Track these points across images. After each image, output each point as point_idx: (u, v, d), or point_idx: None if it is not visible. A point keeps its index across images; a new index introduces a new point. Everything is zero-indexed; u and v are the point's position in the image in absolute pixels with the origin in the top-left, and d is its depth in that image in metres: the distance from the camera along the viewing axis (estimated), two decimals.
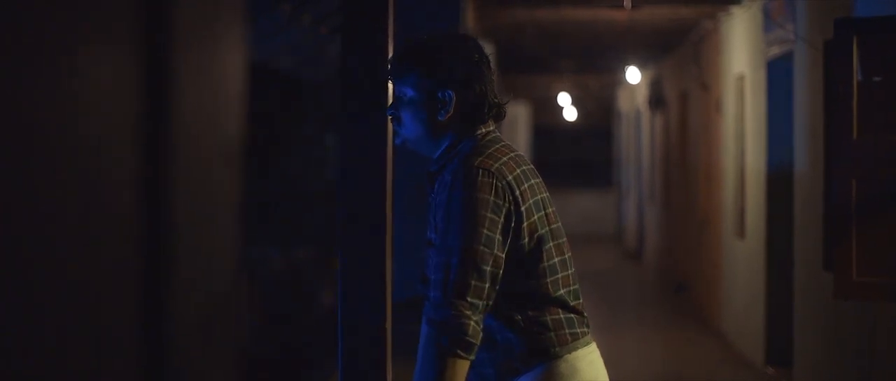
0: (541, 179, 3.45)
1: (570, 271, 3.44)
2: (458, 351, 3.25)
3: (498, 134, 3.50)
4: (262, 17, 9.39)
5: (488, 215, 3.29)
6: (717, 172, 13.11)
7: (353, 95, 4.05)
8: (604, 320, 13.96)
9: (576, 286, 3.46)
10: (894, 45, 6.00)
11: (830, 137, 7.82)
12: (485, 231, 3.28)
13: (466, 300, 3.25)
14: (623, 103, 24.97)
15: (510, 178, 3.35)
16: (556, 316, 3.39)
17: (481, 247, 3.28)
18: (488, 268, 3.28)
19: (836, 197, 6.14)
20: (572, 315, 3.42)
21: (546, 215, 3.41)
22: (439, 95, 3.43)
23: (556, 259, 3.40)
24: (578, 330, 3.42)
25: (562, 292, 3.41)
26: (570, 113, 27.13)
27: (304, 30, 10.12)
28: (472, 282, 3.26)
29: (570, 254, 3.46)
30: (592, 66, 19.34)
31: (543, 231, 3.39)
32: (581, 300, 3.47)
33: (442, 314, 3.26)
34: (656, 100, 18.34)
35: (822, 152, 8.43)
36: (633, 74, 18.18)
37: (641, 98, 20.76)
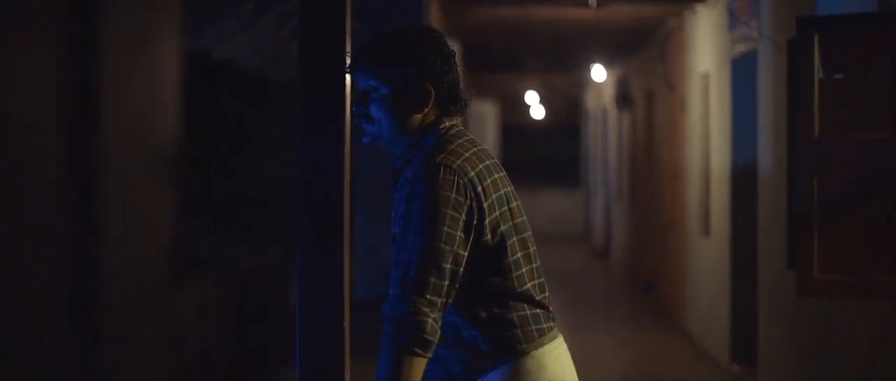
0: (505, 174, 3.43)
1: (534, 265, 3.43)
2: (415, 349, 3.23)
3: (461, 128, 3.48)
4: (224, 16, 9.35)
5: (449, 212, 3.27)
6: (683, 170, 13.14)
7: (311, 95, 4.03)
8: (572, 319, 13.96)
9: (541, 280, 3.44)
10: (856, 44, 6.02)
11: (793, 135, 7.84)
12: (445, 229, 3.27)
13: (425, 298, 3.24)
14: (591, 102, 25.01)
15: (472, 174, 3.33)
16: (522, 312, 3.38)
17: (441, 244, 3.26)
18: (448, 266, 3.26)
19: (797, 196, 6.15)
20: (538, 311, 3.41)
21: (510, 209, 3.39)
22: (417, 88, 3.41)
23: (520, 254, 3.39)
24: (545, 326, 3.41)
25: (527, 286, 3.40)
26: (537, 112, 27.16)
27: (268, 29, 10.08)
28: (432, 280, 3.25)
29: (534, 248, 3.45)
30: (560, 64, 19.36)
31: (506, 227, 3.37)
32: (547, 294, 3.46)
33: (400, 311, 3.24)
34: (623, 98, 18.37)
35: (785, 151, 8.45)
36: (598, 73, 18.20)
37: (608, 97, 20.79)
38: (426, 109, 3.42)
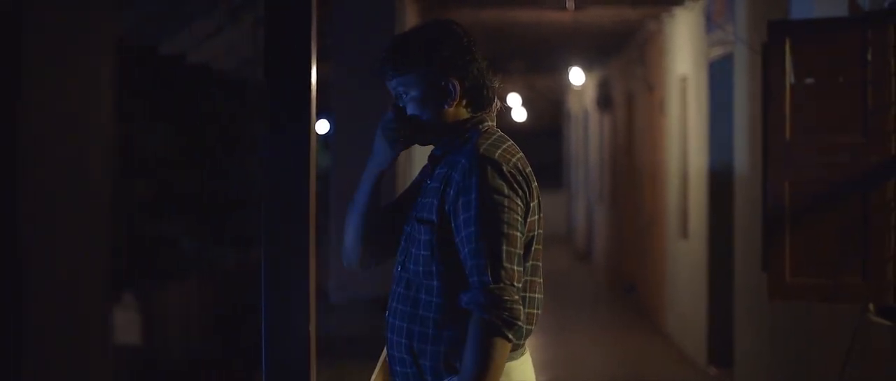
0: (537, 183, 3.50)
1: (539, 279, 3.47)
2: (510, 336, 3.28)
3: (502, 132, 3.51)
4: (201, 19, 9.34)
5: (519, 202, 3.34)
6: (662, 172, 13.16)
7: (278, 97, 4.03)
8: (555, 320, 13.98)
9: (541, 296, 3.48)
10: (826, 47, 6.04)
11: (767, 138, 7.87)
12: (518, 218, 3.33)
13: (515, 286, 3.30)
14: (572, 104, 25.04)
15: (526, 173, 3.40)
16: None
17: (517, 233, 3.33)
18: (519, 251, 3.33)
19: (770, 199, 6.17)
20: (523, 327, 3.39)
21: (540, 218, 3.46)
22: (443, 84, 3.45)
23: (533, 263, 3.43)
24: (521, 341, 3.43)
25: (528, 296, 3.42)
26: (519, 114, 27.17)
27: (246, 31, 10.08)
28: (516, 268, 3.31)
29: (541, 263, 3.49)
30: (541, 67, 19.37)
31: (535, 232, 3.43)
32: (540, 312, 3.48)
33: (495, 300, 3.27)
34: (604, 101, 18.39)
35: (760, 154, 8.48)
36: (576, 75, 18.21)
37: (589, 99, 20.81)
38: (455, 103, 3.47)
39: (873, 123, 5.93)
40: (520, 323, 3.28)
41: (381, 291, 6.94)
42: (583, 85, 21.04)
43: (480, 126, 3.48)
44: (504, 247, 3.29)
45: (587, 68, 18.47)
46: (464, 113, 3.49)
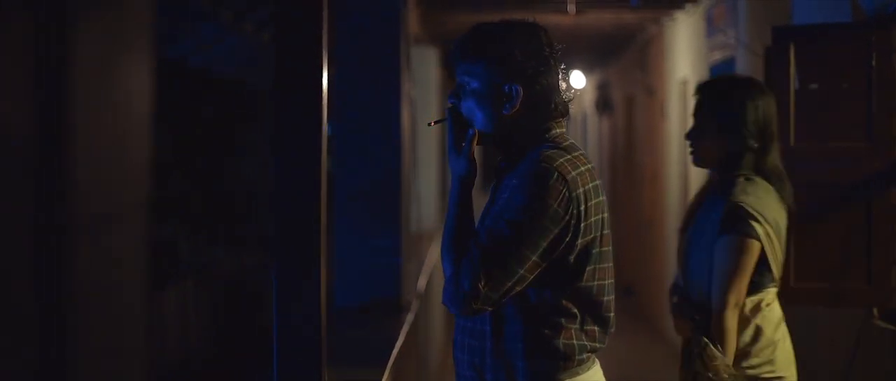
0: (604, 199, 3.31)
1: (608, 298, 3.32)
2: (449, 303, 3.21)
3: (573, 140, 3.37)
4: (203, 24, 9.35)
5: (545, 222, 3.16)
6: (662, 176, 13.18)
7: (287, 101, 4.05)
8: None
9: (612, 314, 3.34)
10: (830, 53, 6.06)
11: None
12: (536, 237, 3.16)
13: (481, 290, 3.16)
14: (571, 107, 25.04)
15: (581, 190, 3.21)
16: (570, 341, 3.28)
17: (524, 249, 3.16)
18: (520, 270, 3.17)
19: None
20: (585, 342, 3.30)
21: (601, 236, 3.28)
22: (505, 88, 3.30)
23: (594, 283, 3.28)
24: (585, 355, 3.32)
25: (595, 314, 3.30)
26: None
27: (247, 37, 10.09)
28: (498, 274, 3.16)
29: (611, 281, 3.33)
30: None
31: (592, 252, 3.26)
32: (611, 330, 3.35)
33: (469, 274, 3.18)
34: (604, 104, 18.41)
35: None
36: (577, 79, 18.23)
37: (588, 102, 20.83)
38: (514, 110, 3.32)
39: (877, 128, 5.96)
40: (465, 301, 3.17)
41: (388, 294, 6.94)
42: (581, 88, 21.05)
43: (547, 134, 3.33)
44: (503, 254, 3.15)
45: (587, 71, 18.47)
46: (525, 123, 3.33)
